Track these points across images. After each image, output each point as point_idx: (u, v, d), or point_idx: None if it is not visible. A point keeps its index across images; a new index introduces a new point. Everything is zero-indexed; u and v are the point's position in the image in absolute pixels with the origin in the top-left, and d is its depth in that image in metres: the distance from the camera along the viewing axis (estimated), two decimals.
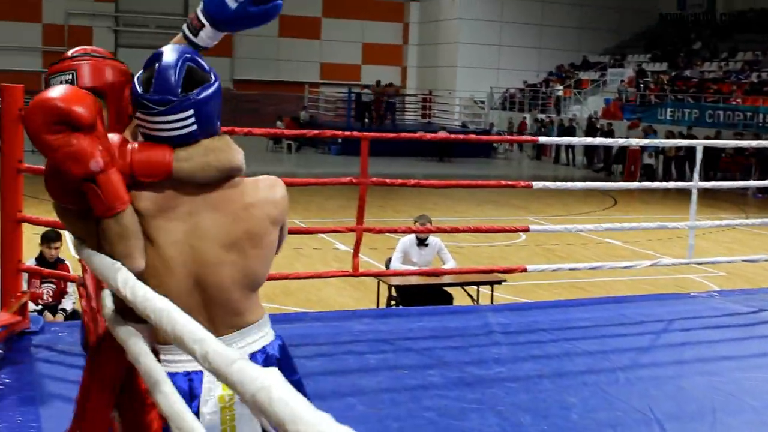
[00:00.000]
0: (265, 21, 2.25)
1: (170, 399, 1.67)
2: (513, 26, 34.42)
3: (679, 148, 21.51)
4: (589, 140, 7.08)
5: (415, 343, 5.05)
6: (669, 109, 26.14)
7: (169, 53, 2.06)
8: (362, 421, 3.85)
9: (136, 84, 2.06)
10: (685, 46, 32.42)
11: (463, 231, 6.36)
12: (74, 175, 1.93)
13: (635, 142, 7.57)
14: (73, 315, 6.74)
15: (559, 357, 4.93)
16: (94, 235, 2.05)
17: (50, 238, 6.70)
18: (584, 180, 18.33)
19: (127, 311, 1.90)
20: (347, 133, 5.93)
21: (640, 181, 20.34)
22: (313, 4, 35.31)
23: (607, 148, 24.68)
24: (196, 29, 2.23)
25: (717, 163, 21.42)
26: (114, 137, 2.02)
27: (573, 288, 9.54)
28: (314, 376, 4.13)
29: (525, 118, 30.37)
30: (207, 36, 2.23)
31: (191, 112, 2.03)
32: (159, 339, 2.05)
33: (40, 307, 6.72)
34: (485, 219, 14.34)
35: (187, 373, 2.09)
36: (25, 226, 4.84)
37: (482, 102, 33.89)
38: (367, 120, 28.27)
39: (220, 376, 1.34)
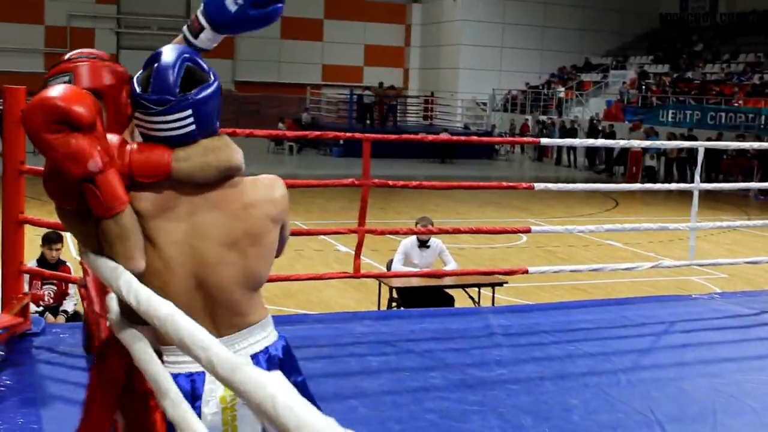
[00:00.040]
0: (265, 24, 2.25)
1: (180, 408, 1.67)
2: (515, 28, 34.43)
3: (680, 150, 21.50)
4: (591, 142, 7.07)
5: (417, 345, 5.05)
6: (671, 111, 26.13)
7: (168, 53, 2.06)
8: (364, 423, 3.85)
9: (135, 84, 2.06)
10: (687, 47, 32.41)
11: (465, 232, 6.35)
12: (73, 175, 1.93)
13: (637, 143, 7.57)
14: (74, 317, 6.74)
15: (560, 359, 4.93)
16: (94, 236, 2.04)
17: (51, 239, 6.70)
18: (586, 181, 18.39)
19: (131, 312, 1.90)
20: (349, 134, 5.94)
21: (641, 182, 20.32)
22: (315, 6, 35.34)
23: (609, 150, 24.68)
24: (197, 31, 2.23)
25: (719, 165, 21.41)
26: (113, 138, 2.02)
27: (574, 290, 9.53)
28: (315, 378, 4.13)
29: (527, 119, 30.37)
30: (207, 38, 2.24)
31: (189, 111, 2.02)
32: (162, 340, 2.05)
33: (41, 308, 6.72)
34: (487, 220, 14.34)
35: (190, 374, 2.09)
36: (27, 228, 4.85)
37: (484, 104, 33.88)
38: (368, 122, 28.28)
39: (226, 383, 1.34)
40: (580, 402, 4.25)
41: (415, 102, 34.88)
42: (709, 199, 16.47)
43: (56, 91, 1.91)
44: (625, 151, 23.06)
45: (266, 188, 2.16)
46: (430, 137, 6.46)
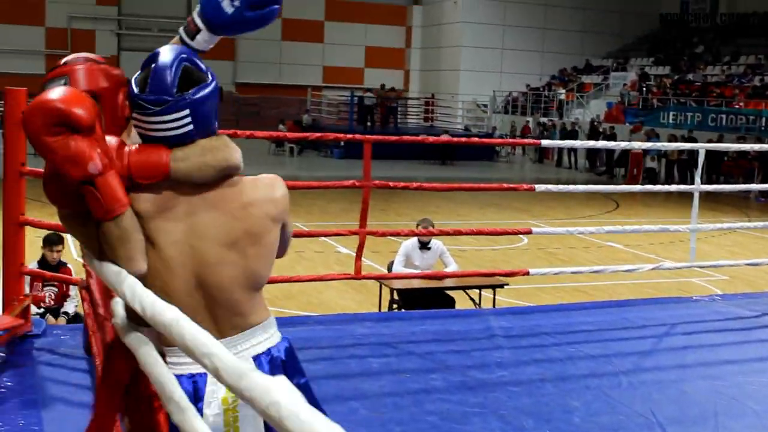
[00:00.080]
0: (262, 25, 2.25)
1: (185, 413, 1.67)
2: (516, 29, 34.45)
3: (681, 152, 21.51)
4: (592, 143, 7.07)
5: (418, 347, 5.04)
6: (671, 113, 26.14)
7: (166, 54, 2.06)
8: (365, 425, 3.85)
9: (133, 85, 2.06)
10: (688, 49, 32.42)
11: (466, 233, 6.35)
12: (73, 178, 1.93)
13: (638, 145, 7.56)
14: (75, 318, 6.74)
15: (561, 361, 4.92)
16: (95, 238, 2.04)
17: (52, 241, 6.70)
18: (586, 183, 18.38)
19: (136, 315, 1.90)
20: (350, 136, 5.94)
21: (642, 184, 20.33)
22: (316, 8, 35.37)
23: (610, 152, 24.68)
24: (193, 33, 2.23)
25: (719, 167, 21.43)
26: (112, 140, 2.02)
27: (575, 291, 9.53)
28: (316, 379, 4.12)
29: (528, 121, 30.38)
30: (203, 39, 2.24)
31: (187, 111, 2.02)
32: (164, 341, 2.05)
33: (42, 310, 6.72)
34: (487, 222, 14.34)
35: (192, 375, 2.09)
36: (27, 229, 4.84)
37: (485, 105, 33.90)
38: (369, 123, 28.30)
39: (233, 390, 1.35)
40: (581, 404, 4.24)
41: (415, 104, 34.91)
42: (709, 200, 16.47)
43: (55, 93, 1.91)
44: (625, 152, 23.06)
45: (266, 187, 2.15)
46: (431, 139, 6.45)
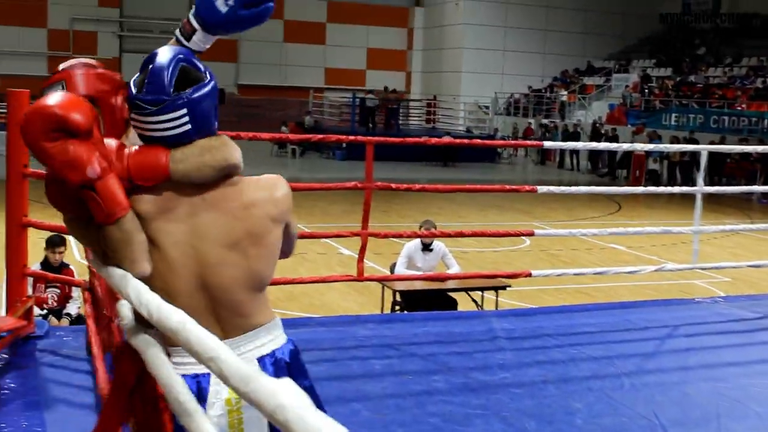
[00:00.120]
0: (257, 23, 2.26)
1: (193, 416, 1.67)
2: (517, 31, 34.45)
3: (683, 153, 21.51)
4: (594, 145, 7.06)
5: (420, 349, 5.04)
6: (674, 115, 26.14)
7: (163, 54, 2.06)
8: (367, 427, 3.85)
9: (132, 86, 2.07)
10: (690, 51, 32.41)
11: (468, 235, 6.35)
12: (72, 183, 1.93)
13: (640, 147, 7.56)
14: (77, 320, 6.75)
15: (563, 362, 4.92)
16: (98, 242, 2.05)
17: (55, 242, 6.71)
18: (589, 185, 18.38)
19: (142, 316, 1.91)
20: (352, 137, 5.94)
21: (644, 186, 20.32)
22: (318, 10, 35.40)
23: (612, 153, 24.69)
24: (189, 33, 2.24)
25: (722, 168, 21.42)
26: (111, 142, 2.02)
27: (577, 293, 9.52)
28: (319, 381, 4.11)
29: (530, 123, 30.39)
30: (199, 40, 2.24)
31: (184, 111, 2.02)
32: (168, 341, 2.05)
33: (44, 311, 6.73)
34: (490, 224, 14.33)
35: (195, 376, 2.08)
36: (30, 231, 4.85)
37: (486, 107, 33.90)
38: (371, 125, 28.31)
39: (239, 393, 1.35)
40: (583, 406, 4.24)
41: (417, 105, 34.92)
42: (712, 202, 16.46)
43: (52, 99, 1.91)
44: (628, 154, 23.07)
45: (267, 187, 2.14)
46: (433, 140, 6.45)
